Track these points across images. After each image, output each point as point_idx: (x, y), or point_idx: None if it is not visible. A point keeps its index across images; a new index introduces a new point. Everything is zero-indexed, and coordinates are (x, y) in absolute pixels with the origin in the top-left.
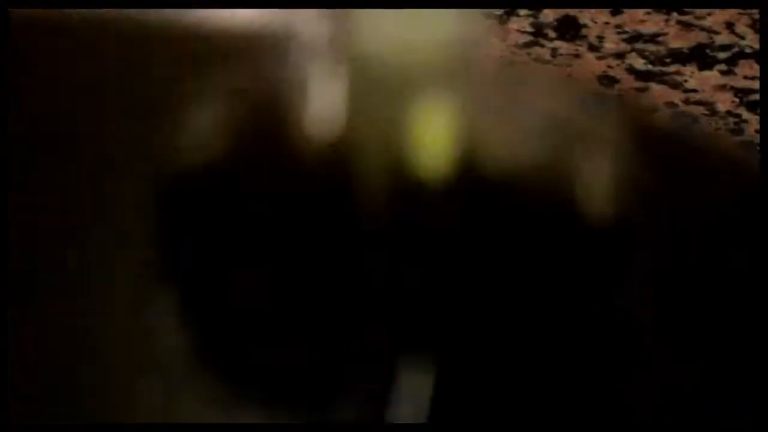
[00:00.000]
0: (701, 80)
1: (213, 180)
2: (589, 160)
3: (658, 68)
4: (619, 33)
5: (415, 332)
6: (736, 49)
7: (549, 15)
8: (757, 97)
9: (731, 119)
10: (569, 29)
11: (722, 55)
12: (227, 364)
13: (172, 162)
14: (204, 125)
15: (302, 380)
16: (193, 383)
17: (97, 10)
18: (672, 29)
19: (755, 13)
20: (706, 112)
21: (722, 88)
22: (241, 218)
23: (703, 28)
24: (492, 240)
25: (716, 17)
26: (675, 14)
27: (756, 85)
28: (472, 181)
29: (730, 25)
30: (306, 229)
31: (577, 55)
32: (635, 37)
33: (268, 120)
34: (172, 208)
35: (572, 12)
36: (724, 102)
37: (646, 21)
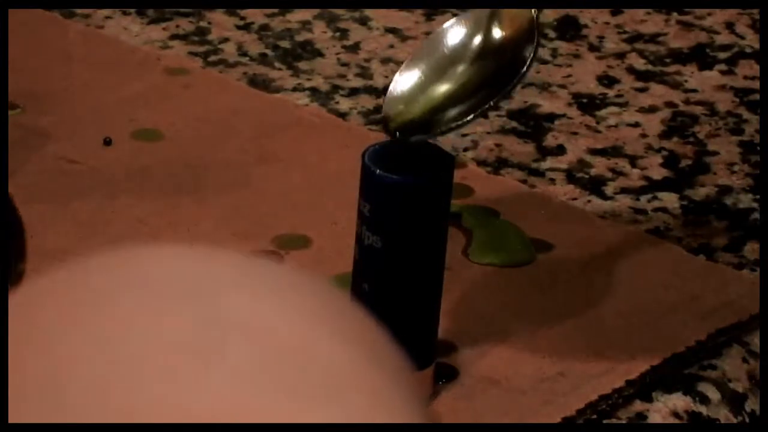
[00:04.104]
0: (701, 80)
1: None
2: None
3: (658, 68)
4: (619, 33)
5: None
6: (736, 49)
7: (549, 15)
8: (757, 97)
9: (731, 119)
10: (569, 29)
11: (722, 55)
12: None
13: None
14: None
15: None
16: None
17: None
18: (672, 29)
19: (755, 13)
20: (706, 112)
21: (722, 88)
22: None
23: (703, 28)
24: None
25: (716, 17)
26: (675, 14)
27: (756, 85)
28: None
29: (730, 25)
30: None
31: (577, 55)
32: (635, 37)
33: None
34: None
35: (572, 12)
36: (724, 102)
37: (646, 21)
